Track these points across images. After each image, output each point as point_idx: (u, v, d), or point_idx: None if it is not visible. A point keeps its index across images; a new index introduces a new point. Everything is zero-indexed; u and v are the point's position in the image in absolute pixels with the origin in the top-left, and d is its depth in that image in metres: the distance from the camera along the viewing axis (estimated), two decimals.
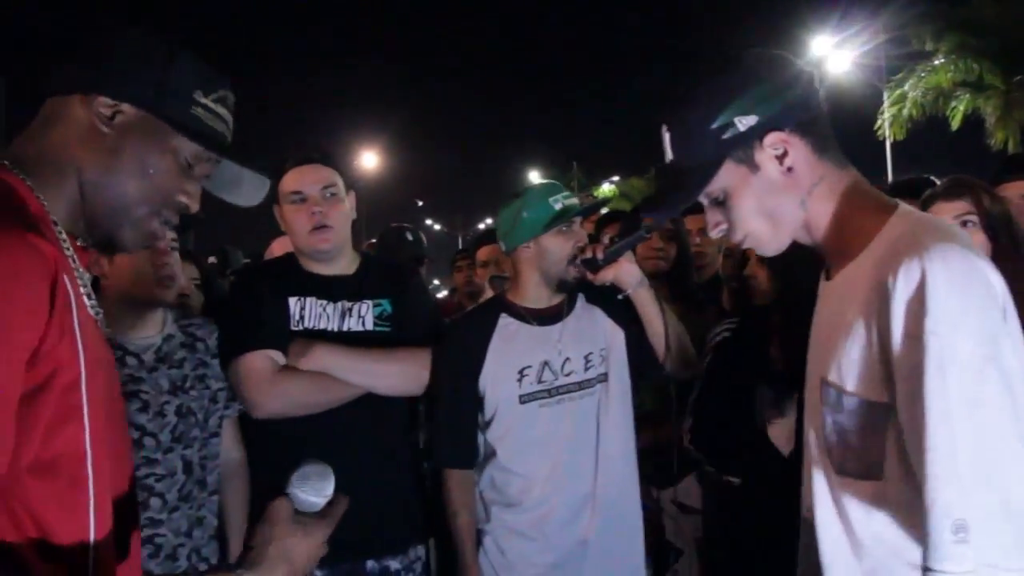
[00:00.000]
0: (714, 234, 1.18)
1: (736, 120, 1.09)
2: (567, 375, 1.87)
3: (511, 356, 1.88)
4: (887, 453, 1.02)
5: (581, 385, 1.88)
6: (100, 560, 0.81)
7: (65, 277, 0.80)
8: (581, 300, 1.97)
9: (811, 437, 1.16)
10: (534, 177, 29.86)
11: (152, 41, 0.96)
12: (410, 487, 1.96)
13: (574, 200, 1.94)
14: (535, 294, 1.93)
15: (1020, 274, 1.66)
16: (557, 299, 1.94)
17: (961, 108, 14.91)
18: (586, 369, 1.88)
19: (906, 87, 15.64)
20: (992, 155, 14.63)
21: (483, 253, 3.27)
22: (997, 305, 0.97)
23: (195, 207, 0.99)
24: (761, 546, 1.91)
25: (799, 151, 1.10)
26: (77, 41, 0.96)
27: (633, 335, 1.93)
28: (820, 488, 1.13)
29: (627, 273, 1.84)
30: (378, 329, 1.89)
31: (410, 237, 3.16)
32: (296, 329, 1.86)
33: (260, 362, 1.80)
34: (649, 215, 1.49)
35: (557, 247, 1.88)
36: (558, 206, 1.89)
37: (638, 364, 1.95)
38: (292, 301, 1.88)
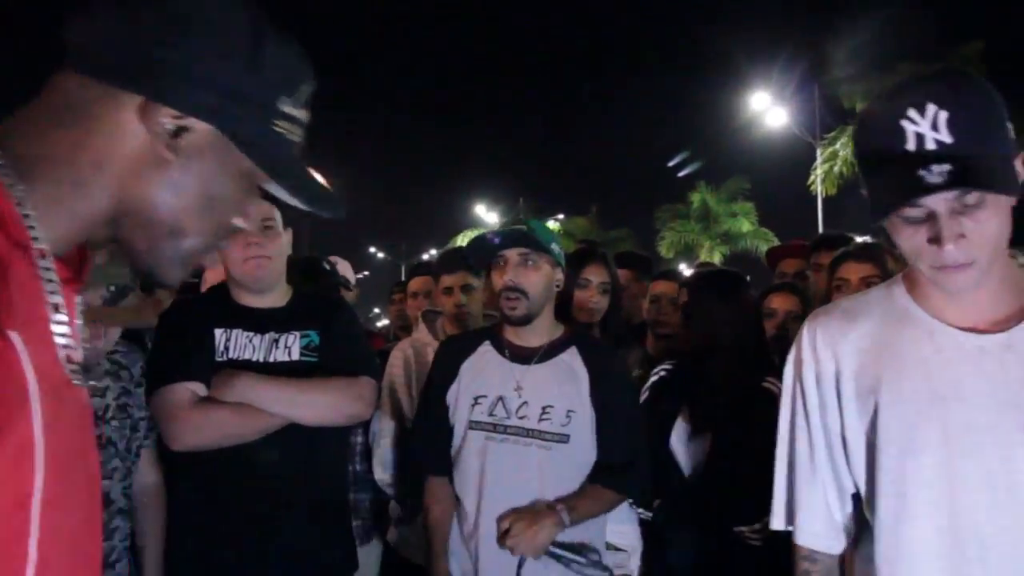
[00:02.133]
0: (952, 249, 0.97)
1: (1008, 126, 0.98)
2: (520, 418, 1.86)
3: (475, 381, 1.91)
4: None
5: (530, 433, 1.85)
6: None
7: (23, 346, 0.59)
8: (572, 353, 1.92)
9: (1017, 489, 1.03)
10: (480, 210, 30.02)
11: (236, 18, 0.69)
12: (340, 520, 1.97)
13: (505, 233, 1.95)
14: (509, 329, 1.95)
15: None
16: (539, 340, 1.93)
17: None
18: (540, 420, 1.86)
19: (837, 145, 16.46)
20: None
21: (415, 284, 3.25)
22: None
23: (246, 227, 0.81)
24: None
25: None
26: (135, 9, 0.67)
27: (602, 428, 1.88)
28: None
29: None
30: (304, 359, 1.89)
31: (327, 267, 3.12)
32: (221, 360, 1.84)
33: (179, 394, 1.78)
34: (964, 184, 0.96)
35: (494, 281, 1.94)
36: (489, 239, 1.96)
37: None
38: (218, 332, 1.86)
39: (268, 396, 1.78)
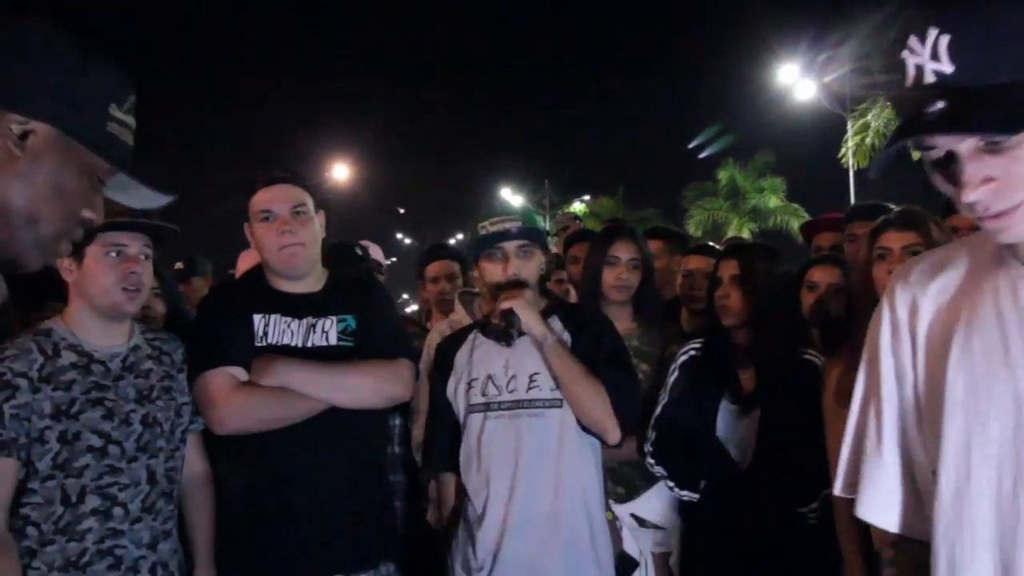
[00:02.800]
0: (976, 195, 0.81)
1: None
2: (510, 391, 1.88)
3: (466, 367, 1.95)
4: None
5: (519, 404, 1.87)
6: None
7: None
8: (554, 321, 1.95)
9: None
10: (506, 193, 29.94)
11: (65, 42, 0.85)
12: (380, 502, 1.97)
13: (504, 226, 1.95)
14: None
15: None
16: None
17: None
18: (528, 389, 1.87)
19: (869, 117, 16.11)
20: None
21: (431, 270, 3.21)
22: None
23: (100, 219, 0.92)
24: (723, 558, 1.96)
25: None
26: None
27: (592, 363, 1.89)
28: None
29: (532, 328, 1.87)
30: (342, 344, 1.91)
31: (359, 252, 3.13)
32: (260, 345, 1.87)
33: (221, 379, 1.81)
34: (933, 134, 0.82)
35: (487, 272, 1.95)
36: (483, 232, 1.95)
37: None
38: (256, 318, 1.89)
39: (307, 380, 1.81)
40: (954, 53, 0.78)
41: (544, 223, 2.08)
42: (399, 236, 42.35)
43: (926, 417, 0.97)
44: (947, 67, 0.78)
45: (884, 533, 1.08)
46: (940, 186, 0.87)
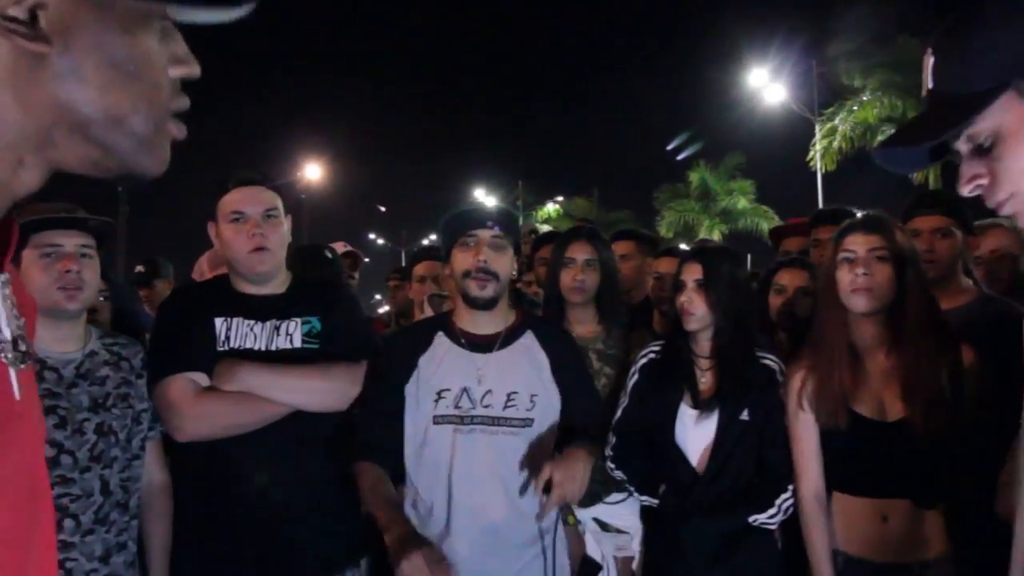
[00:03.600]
0: (968, 191, 0.92)
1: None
2: (485, 407, 1.81)
3: (435, 375, 1.84)
4: None
5: (497, 421, 1.81)
6: None
7: None
8: (530, 338, 1.90)
9: None
10: (480, 194, 29.92)
11: None
12: (345, 506, 1.91)
13: (479, 212, 1.91)
14: (467, 315, 1.89)
15: (924, 309, 1.77)
16: (496, 327, 1.88)
17: None
18: (505, 407, 1.82)
19: (836, 121, 16.38)
20: (914, 189, 15.42)
21: (420, 268, 3.23)
22: None
23: (197, 71, 0.66)
24: (682, 563, 1.96)
25: None
26: None
27: (567, 404, 1.88)
28: None
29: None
30: (306, 346, 1.88)
31: (328, 255, 3.11)
32: (222, 350, 1.83)
33: (181, 385, 1.77)
34: (899, 152, 0.99)
35: (457, 261, 1.86)
36: (455, 214, 1.90)
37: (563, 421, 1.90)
38: (218, 322, 1.85)
39: (270, 384, 1.78)
40: (935, 72, 0.91)
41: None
42: (372, 236, 42.11)
43: None
44: (930, 83, 0.92)
45: None
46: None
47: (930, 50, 0.93)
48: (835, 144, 16.40)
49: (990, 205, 0.92)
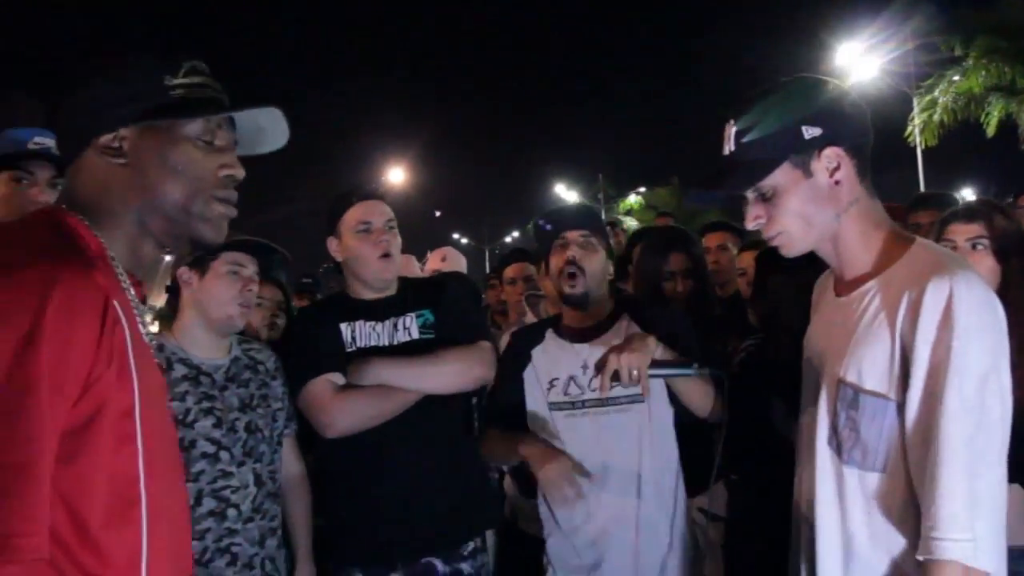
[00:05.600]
0: (752, 225, 1.31)
1: (803, 128, 1.25)
2: (593, 390, 1.91)
3: (547, 365, 2.00)
4: (892, 447, 1.20)
5: (606, 402, 1.91)
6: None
7: (118, 306, 0.83)
8: (626, 320, 2.00)
9: (818, 433, 1.29)
10: (560, 190, 29.89)
11: (105, 67, 0.99)
12: (475, 483, 2.10)
13: (560, 213, 2.09)
14: (569, 313, 2.03)
15: (1021, 302, 1.69)
16: (591, 318, 2.00)
17: (995, 113, 14.64)
18: (611, 388, 1.87)
19: (936, 93, 15.45)
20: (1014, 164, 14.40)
21: (510, 271, 3.34)
22: (1003, 329, 1.17)
23: (240, 173, 1.00)
24: (779, 549, 1.94)
25: (847, 169, 1.26)
26: (54, 110, 1.00)
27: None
28: (824, 480, 1.26)
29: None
30: (423, 337, 2.05)
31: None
32: (351, 351, 2.02)
33: (322, 386, 1.96)
34: (706, 193, 1.43)
35: (553, 263, 2.00)
36: (543, 223, 2.04)
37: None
38: (343, 327, 2.05)
39: (400, 374, 1.95)
40: (736, 139, 1.29)
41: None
42: (456, 236, 42.77)
43: None
44: (732, 146, 1.30)
45: None
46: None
47: (732, 120, 1.29)
48: (935, 117, 15.49)
49: (766, 238, 1.32)
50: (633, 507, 1.89)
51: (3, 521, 0.71)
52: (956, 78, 15.17)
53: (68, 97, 0.97)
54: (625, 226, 7.12)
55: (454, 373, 1.99)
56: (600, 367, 1.70)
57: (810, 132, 1.25)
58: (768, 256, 2.21)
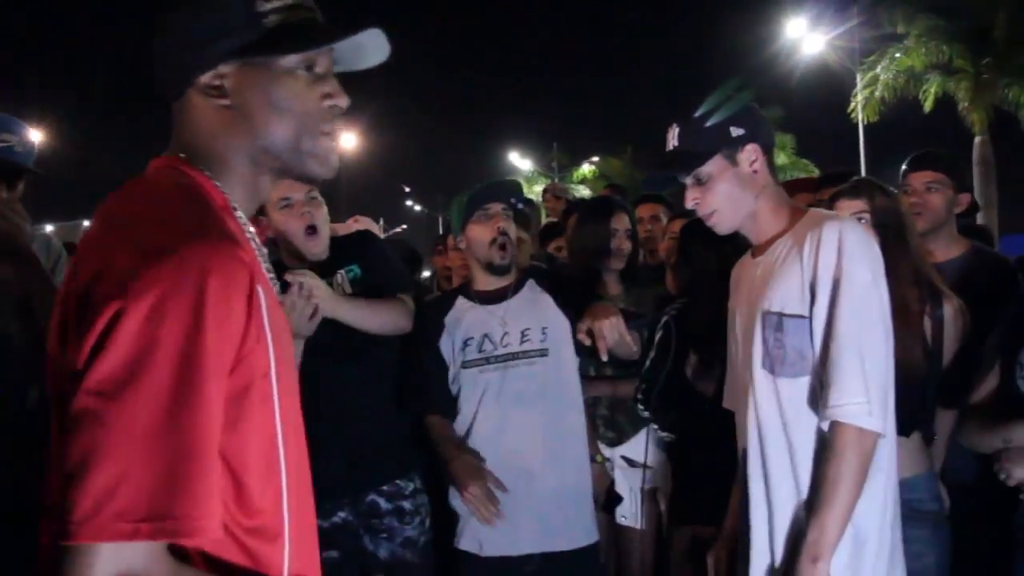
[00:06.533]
0: (690, 205, 1.68)
1: (731, 128, 1.63)
2: (505, 346, 2.13)
3: (460, 328, 2.18)
4: (809, 353, 1.54)
5: (516, 356, 2.12)
6: (292, 535, 0.88)
7: (258, 282, 0.82)
8: (531, 284, 2.22)
9: (754, 362, 1.61)
10: (514, 158, 29.82)
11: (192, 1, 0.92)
12: (405, 428, 2.25)
13: (492, 188, 2.23)
14: (480, 278, 2.21)
15: (897, 269, 1.90)
16: (503, 282, 2.19)
17: (932, 91, 15.14)
18: (521, 343, 2.13)
19: (878, 69, 15.89)
20: (967, 136, 14.97)
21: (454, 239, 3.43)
22: (879, 256, 1.57)
23: (344, 102, 0.95)
24: (697, 489, 2.22)
25: (761, 162, 1.65)
26: (146, 50, 0.94)
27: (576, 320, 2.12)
28: (763, 391, 1.59)
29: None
30: (355, 292, 2.17)
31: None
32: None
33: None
34: (655, 180, 1.89)
35: (476, 234, 2.14)
36: (472, 194, 2.17)
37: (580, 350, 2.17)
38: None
39: (347, 310, 2.04)
40: (680, 137, 1.68)
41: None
42: (408, 204, 42.39)
43: None
44: (675, 141, 1.69)
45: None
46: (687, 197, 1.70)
47: (676, 124, 1.68)
48: (877, 94, 15.94)
49: (702, 216, 1.68)
50: (540, 449, 2.08)
51: (186, 504, 0.72)
52: (898, 55, 15.60)
53: (160, 32, 0.92)
54: (577, 195, 7.27)
55: (389, 317, 2.11)
56: (589, 336, 1.86)
57: (736, 131, 1.63)
58: (690, 228, 2.42)
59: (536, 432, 2.08)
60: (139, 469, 0.70)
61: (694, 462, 2.27)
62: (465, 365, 2.15)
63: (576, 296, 2.16)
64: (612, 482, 2.47)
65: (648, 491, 2.50)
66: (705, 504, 2.19)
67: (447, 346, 2.19)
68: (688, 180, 1.66)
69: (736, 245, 2.27)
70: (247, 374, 0.80)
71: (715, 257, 2.24)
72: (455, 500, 2.15)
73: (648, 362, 2.37)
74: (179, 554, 0.76)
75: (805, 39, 17.59)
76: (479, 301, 2.20)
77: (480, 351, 2.14)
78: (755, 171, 1.63)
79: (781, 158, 21.24)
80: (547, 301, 2.19)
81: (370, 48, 0.97)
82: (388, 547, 2.14)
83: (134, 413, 0.71)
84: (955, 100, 15.09)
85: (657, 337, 2.38)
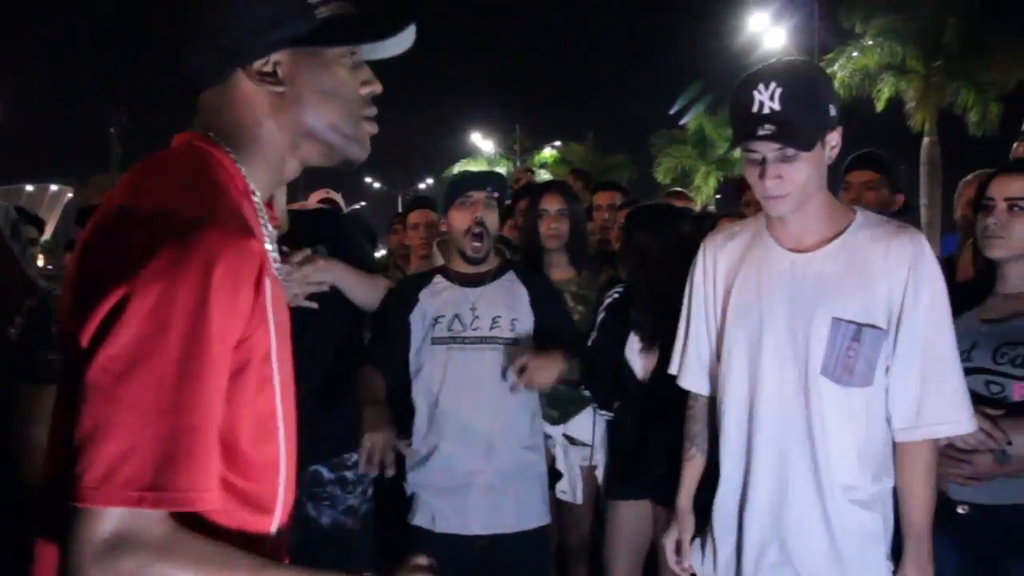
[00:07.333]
0: (771, 183, 1.46)
1: (830, 105, 1.48)
2: (474, 329, 2.16)
3: (432, 304, 2.20)
4: (877, 366, 1.51)
5: (484, 340, 2.15)
6: (286, 501, 0.95)
7: (267, 273, 0.85)
8: (511, 276, 2.25)
9: (809, 360, 1.53)
10: (476, 139, 29.72)
11: None
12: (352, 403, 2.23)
13: (476, 176, 2.27)
14: (459, 261, 2.22)
15: None
16: (485, 268, 2.21)
17: (885, 91, 15.52)
18: (491, 328, 2.16)
19: (836, 67, 16.22)
20: (913, 137, 15.40)
21: (413, 217, 3.47)
22: None
23: (378, 88, 1.01)
24: (633, 465, 2.33)
25: (837, 151, 1.52)
26: (192, 33, 0.95)
27: (542, 326, 2.20)
28: (829, 399, 1.52)
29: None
30: None
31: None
32: None
33: None
34: (780, 141, 1.46)
35: (456, 221, 2.17)
36: (455, 179, 2.23)
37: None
38: None
39: (348, 279, 2.12)
40: (782, 99, 1.42)
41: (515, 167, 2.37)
42: (368, 180, 41.93)
43: (717, 327, 1.70)
44: (777, 106, 1.43)
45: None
46: (748, 176, 1.52)
47: (776, 83, 1.43)
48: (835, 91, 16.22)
49: (772, 195, 1.47)
50: (498, 430, 2.13)
51: (187, 478, 0.77)
52: (855, 54, 15.93)
53: (209, 15, 0.93)
54: (539, 178, 7.32)
55: (377, 296, 2.20)
56: (517, 369, 1.95)
57: (832, 111, 1.47)
58: (634, 216, 2.49)
59: (496, 414, 2.13)
60: (146, 443, 0.75)
61: (630, 438, 2.36)
62: (434, 341, 2.17)
63: (549, 301, 2.24)
64: (553, 459, 2.54)
65: (587, 469, 2.59)
66: (641, 479, 2.31)
67: (417, 319, 2.20)
68: (771, 152, 1.45)
69: (678, 231, 2.37)
70: (244, 356, 0.84)
71: (658, 242, 2.32)
72: (410, 475, 2.18)
73: (590, 343, 2.44)
74: (179, 517, 0.81)
75: (767, 33, 17.80)
76: (457, 282, 2.22)
77: (449, 330, 2.16)
78: (832, 159, 1.51)
79: (739, 151, 21.56)
80: (522, 295, 2.22)
81: (393, 41, 1.02)
82: (330, 514, 2.17)
83: (142, 391, 0.76)
84: (904, 99, 15.48)
85: (599, 319, 2.45)
